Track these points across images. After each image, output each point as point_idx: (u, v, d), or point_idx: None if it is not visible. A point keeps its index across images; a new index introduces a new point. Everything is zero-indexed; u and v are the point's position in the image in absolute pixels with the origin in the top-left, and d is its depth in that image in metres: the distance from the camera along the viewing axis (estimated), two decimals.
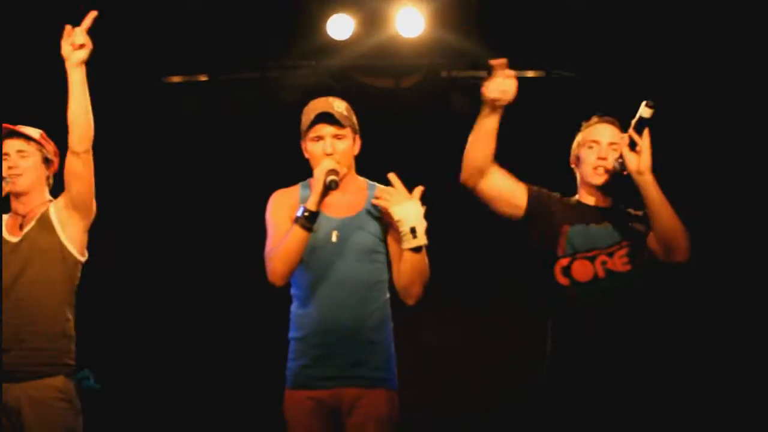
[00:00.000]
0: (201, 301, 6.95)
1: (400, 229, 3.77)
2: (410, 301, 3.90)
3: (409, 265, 3.82)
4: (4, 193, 4.09)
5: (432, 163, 6.81)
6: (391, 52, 6.67)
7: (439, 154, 6.84)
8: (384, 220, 3.90)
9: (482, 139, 4.02)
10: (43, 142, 4.23)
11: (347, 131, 3.90)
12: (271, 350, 4.36)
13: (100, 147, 4.15)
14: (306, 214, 3.72)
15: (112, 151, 6.35)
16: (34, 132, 4.23)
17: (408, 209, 3.81)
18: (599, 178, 4.02)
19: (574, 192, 4.18)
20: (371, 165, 4.58)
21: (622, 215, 4.03)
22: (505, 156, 6.65)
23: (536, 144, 6.68)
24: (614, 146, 4.00)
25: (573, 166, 4.18)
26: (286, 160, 4.60)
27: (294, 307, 3.92)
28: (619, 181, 4.03)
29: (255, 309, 6.32)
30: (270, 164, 6.62)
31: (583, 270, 3.93)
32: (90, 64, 4.44)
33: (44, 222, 4.10)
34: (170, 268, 6.94)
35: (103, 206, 4.38)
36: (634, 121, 3.90)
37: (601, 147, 4.02)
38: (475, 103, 6.78)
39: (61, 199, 4.15)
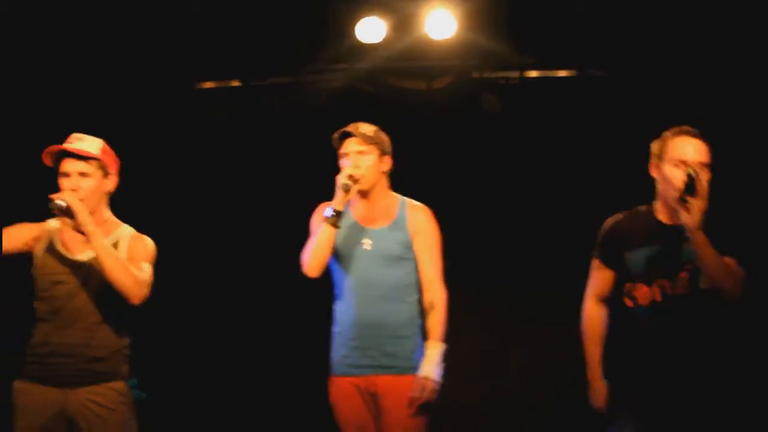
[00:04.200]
0: (250, 302, 6.99)
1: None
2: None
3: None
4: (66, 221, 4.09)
5: (465, 162, 6.85)
6: (421, 54, 6.67)
7: (472, 154, 6.90)
8: (410, 232, 4.44)
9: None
10: (103, 157, 4.18)
11: (371, 148, 4.42)
12: (319, 342, 4.68)
13: (135, 153, 4.21)
14: (332, 213, 4.30)
15: (148, 158, 6.46)
16: (94, 147, 4.18)
17: (432, 367, 4.30)
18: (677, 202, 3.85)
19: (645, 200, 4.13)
20: (405, 166, 4.63)
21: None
22: (540, 155, 6.74)
23: (569, 143, 6.70)
24: (703, 166, 3.88)
25: (653, 175, 4.03)
26: (318, 164, 4.66)
27: (335, 305, 4.51)
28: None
29: (302, 306, 6.34)
30: (304, 168, 6.67)
31: (642, 294, 3.99)
32: (125, 72, 4.56)
33: (114, 247, 4.14)
34: (213, 272, 6.98)
35: (140, 212, 4.47)
36: (682, 184, 3.79)
37: (688, 169, 3.82)
38: (505, 104, 6.87)
39: (134, 235, 4.24)
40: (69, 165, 4.12)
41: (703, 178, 3.81)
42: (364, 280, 4.39)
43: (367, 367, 4.34)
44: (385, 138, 4.48)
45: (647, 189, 4.11)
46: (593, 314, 4.22)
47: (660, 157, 3.97)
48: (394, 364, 4.33)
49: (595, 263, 4.19)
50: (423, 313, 4.41)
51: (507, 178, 6.83)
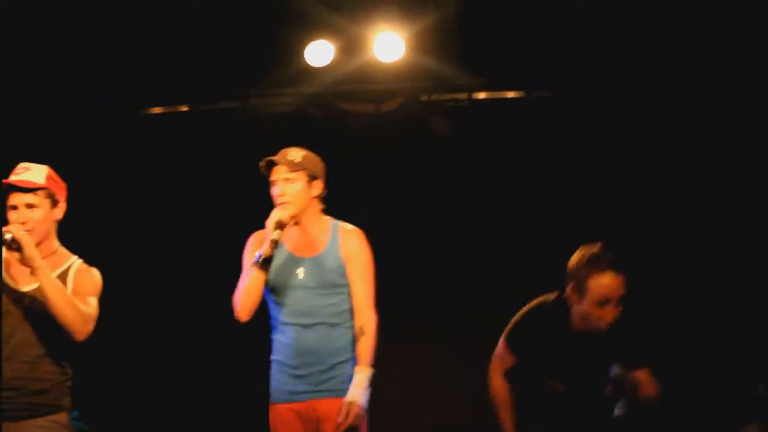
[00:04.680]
0: (190, 330, 6.94)
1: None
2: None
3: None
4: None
5: (414, 185, 6.86)
6: (370, 77, 6.68)
7: (421, 177, 6.91)
8: (343, 257, 4.39)
9: None
10: (49, 184, 4.14)
11: (298, 175, 4.34)
12: (258, 371, 4.67)
13: (82, 179, 4.16)
14: (261, 259, 4.23)
15: (95, 184, 6.41)
16: (40, 176, 4.13)
17: (359, 391, 4.25)
18: (601, 330, 3.98)
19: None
20: (353, 190, 4.62)
21: (616, 351, 4.08)
22: (489, 175, 6.77)
23: (516, 162, 6.72)
24: (621, 303, 3.97)
25: (570, 298, 4.05)
26: (265, 189, 4.63)
27: (273, 334, 4.47)
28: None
29: (243, 335, 6.31)
30: (250, 193, 6.64)
31: (558, 386, 4.18)
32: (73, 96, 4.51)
33: (61, 281, 4.06)
34: (156, 300, 6.93)
35: (85, 240, 4.41)
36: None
37: (611, 306, 3.94)
38: (454, 126, 6.89)
39: (81, 267, 4.18)
40: (16, 198, 4.07)
41: (616, 312, 3.94)
42: (300, 309, 4.35)
43: (307, 393, 4.32)
44: (315, 162, 4.42)
45: (592, 212, 4.14)
46: (501, 385, 4.31)
47: (581, 286, 3.98)
48: (334, 388, 4.30)
49: (506, 346, 4.29)
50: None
51: (456, 200, 6.84)
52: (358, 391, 4.23)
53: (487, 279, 6.70)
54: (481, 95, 6.94)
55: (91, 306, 4.08)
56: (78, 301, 4.02)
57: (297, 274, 4.36)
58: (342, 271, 4.38)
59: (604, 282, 3.91)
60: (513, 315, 4.31)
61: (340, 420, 4.21)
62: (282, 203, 4.30)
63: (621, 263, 3.92)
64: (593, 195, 6.48)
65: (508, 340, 4.26)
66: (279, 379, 4.40)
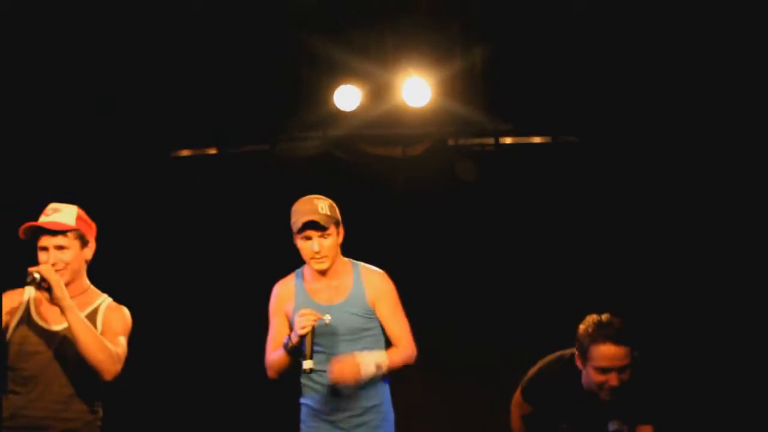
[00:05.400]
0: (220, 373, 6.95)
1: (375, 376, 4.28)
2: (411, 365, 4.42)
3: (396, 369, 4.35)
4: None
5: (441, 230, 6.86)
6: (397, 122, 6.72)
7: (447, 221, 6.91)
8: (369, 300, 4.38)
9: None
10: (79, 226, 4.17)
11: (331, 229, 4.33)
12: (286, 413, 4.69)
13: (112, 221, 4.19)
14: (289, 346, 4.24)
15: (123, 226, 6.44)
16: (70, 217, 4.16)
17: (365, 366, 4.25)
18: (607, 397, 4.05)
19: None
20: (381, 233, 4.63)
21: (623, 409, 4.09)
22: (515, 220, 6.76)
23: (542, 207, 6.72)
24: (624, 371, 4.01)
25: (578, 365, 4.13)
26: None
27: (302, 378, 4.41)
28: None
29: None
30: (278, 236, 6.66)
31: None
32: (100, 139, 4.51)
33: (90, 321, 4.08)
34: (182, 342, 6.94)
35: (118, 280, 4.44)
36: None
37: (612, 375, 3.99)
38: (480, 170, 6.90)
39: (111, 306, 4.21)
40: (46, 239, 4.09)
41: (620, 380, 3.98)
42: (328, 353, 4.30)
43: None
44: (335, 208, 4.39)
45: (616, 259, 4.16)
46: (519, 426, 4.45)
47: (585, 354, 4.06)
48: None
49: (521, 397, 4.37)
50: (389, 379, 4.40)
51: (482, 244, 6.83)
52: (369, 358, 4.23)
53: (511, 323, 6.68)
54: (508, 140, 6.95)
55: (120, 345, 4.08)
56: (107, 341, 4.03)
57: (324, 320, 4.30)
58: (369, 315, 4.36)
59: (604, 352, 3.97)
60: (534, 361, 4.33)
61: (335, 365, 4.20)
62: (318, 259, 4.29)
63: (626, 335, 3.98)
64: (619, 242, 6.47)
65: (523, 392, 4.34)
66: (310, 423, 4.39)
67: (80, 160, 6.65)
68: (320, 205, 4.33)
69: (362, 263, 4.47)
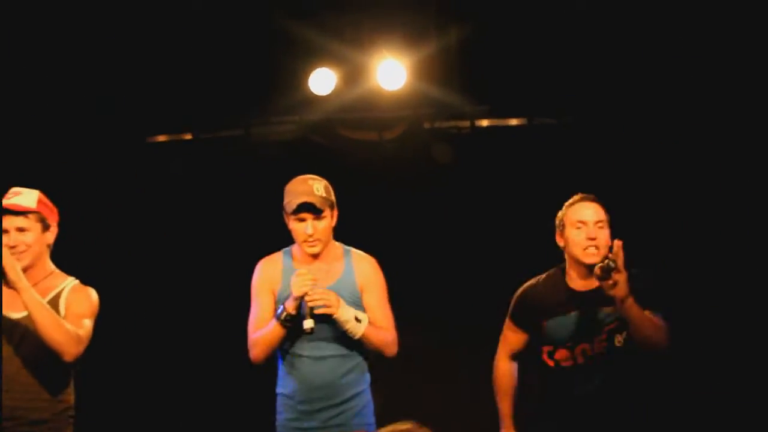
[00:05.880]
0: (193, 360, 6.92)
1: (348, 326, 4.17)
2: (389, 356, 4.33)
3: (371, 342, 4.25)
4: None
5: (417, 213, 6.86)
6: (373, 105, 6.71)
7: (424, 204, 6.91)
8: (359, 285, 4.30)
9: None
10: (41, 209, 4.15)
11: (326, 212, 4.24)
12: (259, 404, 4.63)
13: (86, 208, 4.16)
14: (284, 316, 4.12)
15: (99, 213, 6.41)
16: (31, 200, 4.15)
17: (348, 309, 4.19)
18: (592, 258, 4.07)
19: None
20: (358, 216, 4.61)
21: (605, 299, 4.04)
22: (491, 202, 6.77)
23: (520, 190, 6.72)
24: (600, 224, 4.12)
25: (559, 244, 4.25)
26: (269, 216, 4.62)
27: (281, 365, 4.33)
28: None
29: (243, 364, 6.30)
30: (256, 221, 6.64)
31: (564, 356, 4.18)
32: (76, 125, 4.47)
33: (53, 305, 4.06)
34: (161, 327, 6.92)
35: (89, 269, 4.40)
36: (598, 269, 3.95)
37: (588, 227, 4.11)
38: (455, 153, 6.90)
39: (75, 288, 4.17)
40: (7, 221, 4.07)
41: (601, 236, 4.08)
42: (312, 340, 4.20)
43: (316, 429, 4.20)
44: (331, 191, 4.33)
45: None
46: (505, 370, 4.42)
47: (562, 225, 4.22)
48: (344, 423, 4.20)
49: (509, 325, 4.39)
50: (371, 368, 4.35)
51: (459, 227, 6.83)
52: (351, 309, 4.17)
53: (490, 304, 6.69)
54: (484, 122, 6.95)
55: (83, 327, 4.05)
56: (68, 322, 3.99)
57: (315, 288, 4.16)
58: (357, 300, 4.26)
59: (578, 207, 4.18)
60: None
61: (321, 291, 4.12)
62: (311, 243, 4.21)
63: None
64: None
65: (512, 316, 4.36)
66: (285, 414, 4.28)
67: (55, 147, 6.62)
68: (316, 186, 4.25)
69: (354, 249, 4.41)
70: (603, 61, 6.29)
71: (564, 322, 4.16)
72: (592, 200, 4.19)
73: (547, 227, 4.33)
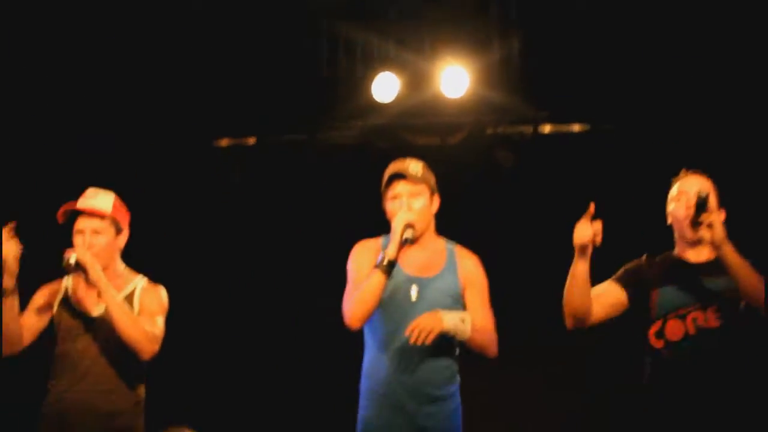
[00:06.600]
0: (269, 358, 6.99)
1: (456, 332, 3.89)
2: (491, 356, 4.09)
3: (475, 342, 3.98)
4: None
5: (480, 217, 6.86)
6: (435, 111, 6.73)
7: (487, 209, 6.91)
8: (461, 282, 4.07)
9: (578, 286, 3.99)
10: (115, 213, 4.26)
11: (423, 189, 4.06)
12: (343, 398, 4.49)
13: (152, 212, 4.24)
14: (386, 261, 3.88)
15: (165, 216, 6.51)
16: (107, 203, 4.25)
17: (449, 316, 3.90)
18: (699, 232, 3.93)
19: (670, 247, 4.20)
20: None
21: (719, 268, 3.92)
22: (554, 208, 6.74)
23: (582, 196, 6.70)
24: (708, 197, 3.98)
25: (670, 223, 4.17)
26: (334, 219, 4.65)
27: (367, 357, 4.10)
28: None
29: (327, 358, 6.33)
30: (319, 225, 6.70)
31: (674, 329, 3.99)
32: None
33: (127, 303, 4.18)
34: (230, 327, 7.00)
35: (157, 271, 4.50)
36: (693, 206, 3.91)
37: (689, 197, 4.00)
38: (518, 158, 6.89)
39: (146, 287, 4.29)
40: (83, 222, 4.20)
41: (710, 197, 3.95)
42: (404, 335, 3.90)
43: (402, 427, 3.94)
44: (432, 174, 4.16)
45: (660, 241, 4.15)
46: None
47: (668, 203, 4.14)
48: (429, 425, 3.96)
49: (610, 282, 4.16)
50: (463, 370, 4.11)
51: (520, 233, 6.83)
52: (453, 315, 3.89)
53: (550, 311, 6.67)
54: (547, 128, 6.96)
55: (156, 326, 4.17)
56: (144, 321, 4.11)
57: (409, 295, 4.00)
58: (457, 297, 4.05)
59: (682, 179, 4.12)
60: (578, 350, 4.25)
61: (419, 319, 3.83)
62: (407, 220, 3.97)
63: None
64: (657, 228, 6.45)
65: (618, 278, 4.16)
66: (371, 409, 4.03)
67: (122, 149, 6.73)
68: (412, 164, 4.09)
69: (458, 245, 4.21)
70: (664, 67, 6.26)
71: (675, 290, 4.02)
72: (696, 173, 4.15)
73: (607, 232, 4.29)
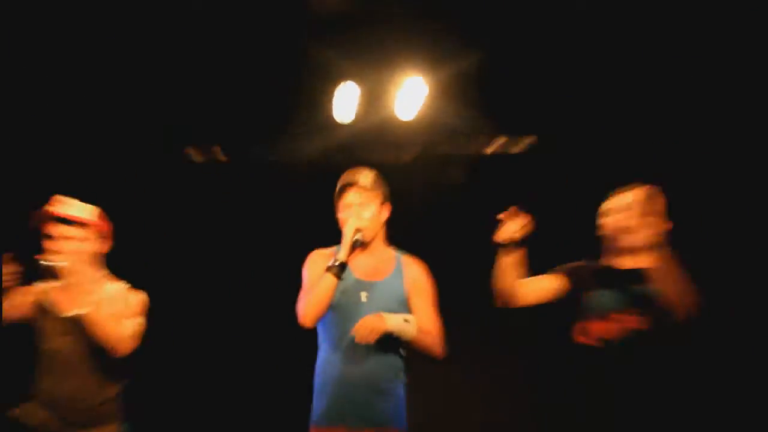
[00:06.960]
0: (233, 354, 7.12)
1: (399, 332, 4.16)
2: (436, 357, 4.32)
3: (420, 343, 4.25)
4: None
5: (431, 235, 6.93)
6: (390, 130, 6.80)
7: (438, 227, 7.02)
8: (407, 288, 4.31)
9: (503, 273, 4.25)
10: (92, 220, 4.43)
11: (372, 197, 4.31)
12: (299, 389, 4.65)
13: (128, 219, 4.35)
14: (337, 263, 4.14)
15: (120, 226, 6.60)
16: (83, 211, 4.42)
17: (393, 318, 4.16)
18: (627, 241, 4.28)
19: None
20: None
21: (648, 275, 4.17)
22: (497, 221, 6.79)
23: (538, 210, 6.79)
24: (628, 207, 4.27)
25: (601, 233, 4.38)
26: (295, 227, 4.68)
27: (320, 354, 4.36)
28: None
29: (288, 354, 6.42)
30: (277, 239, 6.85)
31: (601, 329, 4.23)
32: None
33: (105, 305, 4.32)
34: (198, 323, 7.13)
35: (133, 277, 4.65)
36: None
37: (629, 213, 4.27)
38: (467, 177, 6.93)
39: (124, 290, 4.47)
40: (55, 228, 4.34)
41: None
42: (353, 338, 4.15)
43: (347, 419, 4.20)
44: (384, 184, 4.39)
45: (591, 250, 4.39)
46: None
47: (602, 215, 4.37)
48: (373, 417, 4.20)
49: (550, 272, 4.42)
50: (407, 367, 4.36)
51: (469, 242, 6.78)
52: (395, 318, 4.12)
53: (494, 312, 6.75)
54: (495, 146, 7.08)
55: (131, 326, 4.33)
56: (118, 322, 4.28)
57: (359, 297, 4.26)
58: (403, 301, 4.28)
59: (614, 197, 4.29)
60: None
61: (360, 323, 4.08)
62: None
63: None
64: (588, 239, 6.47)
65: (557, 269, 4.40)
66: (322, 402, 4.27)
67: (84, 160, 6.80)
68: (363, 176, 4.33)
69: (405, 252, 4.43)
70: (618, 83, 6.34)
71: (604, 293, 4.24)
72: (633, 187, 4.30)
73: (575, 238, 4.47)
